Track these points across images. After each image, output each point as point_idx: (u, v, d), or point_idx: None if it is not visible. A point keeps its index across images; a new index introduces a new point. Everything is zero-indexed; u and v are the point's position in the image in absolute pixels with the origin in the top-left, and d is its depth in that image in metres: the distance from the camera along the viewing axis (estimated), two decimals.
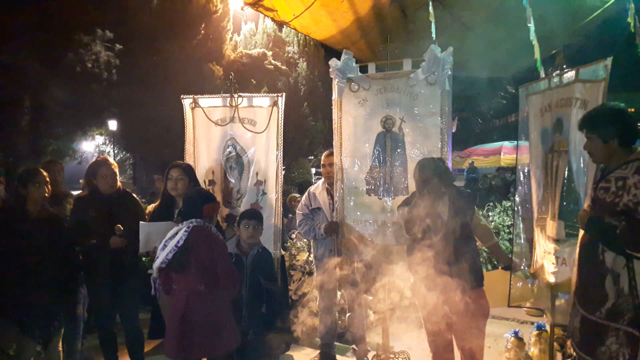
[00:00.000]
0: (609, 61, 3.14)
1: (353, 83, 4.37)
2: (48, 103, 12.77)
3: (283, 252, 5.36)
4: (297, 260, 5.59)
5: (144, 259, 4.55)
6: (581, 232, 2.84)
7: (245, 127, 4.75)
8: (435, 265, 3.30)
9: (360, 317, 4.67)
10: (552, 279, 3.56)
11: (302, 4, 5.33)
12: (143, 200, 7.89)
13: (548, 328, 3.95)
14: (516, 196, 4.28)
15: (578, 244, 2.86)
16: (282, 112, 4.67)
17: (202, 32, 14.73)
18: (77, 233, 3.89)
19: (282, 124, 4.67)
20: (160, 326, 3.80)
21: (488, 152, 20.17)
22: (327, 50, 15.13)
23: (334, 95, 4.42)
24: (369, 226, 4.32)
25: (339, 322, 5.06)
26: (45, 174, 3.74)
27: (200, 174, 4.78)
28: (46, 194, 3.72)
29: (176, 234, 3.21)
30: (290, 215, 7.91)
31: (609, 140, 2.66)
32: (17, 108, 12.47)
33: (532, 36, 4.20)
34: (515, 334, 4.30)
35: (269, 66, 16.50)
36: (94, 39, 12.38)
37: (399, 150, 4.25)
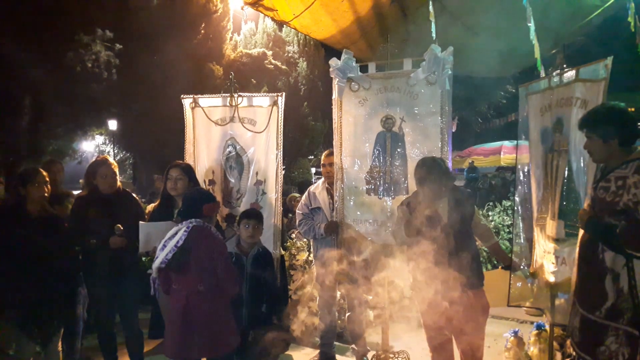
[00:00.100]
0: (609, 61, 3.14)
1: (353, 83, 4.37)
2: (48, 103, 12.75)
3: (283, 252, 5.36)
4: (297, 260, 5.58)
5: (143, 258, 4.54)
6: (581, 232, 2.84)
7: (245, 127, 4.75)
8: (435, 264, 3.30)
9: (360, 316, 4.66)
10: (551, 279, 3.56)
11: (302, 3, 5.33)
12: (143, 200, 7.88)
13: (548, 327, 3.95)
14: (516, 196, 4.28)
15: (578, 244, 2.86)
16: (282, 111, 4.68)
17: (202, 31, 14.72)
18: (76, 233, 3.88)
19: (282, 123, 4.67)
20: (161, 326, 3.80)
21: (488, 152, 20.17)
22: (327, 50, 15.15)
23: (334, 95, 4.42)
24: (368, 226, 4.32)
25: (339, 321, 5.06)
26: (45, 173, 3.74)
27: (200, 174, 4.78)
28: (46, 194, 3.72)
29: (176, 234, 3.21)
30: (290, 215, 7.90)
31: (609, 140, 2.66)
32: (17, 108, 12.45)
33: (532, 36, 4.21)
34: (515, 333, 4.30)
35: (269, 66, 16.50)
36: (94, 38, 12.36)
37: (399, 149, 4.25)
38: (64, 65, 12.04)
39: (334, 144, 4.45)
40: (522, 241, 4.14)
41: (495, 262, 5.99)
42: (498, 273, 4.54)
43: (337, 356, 4.78)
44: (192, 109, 4.88)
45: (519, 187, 4.24)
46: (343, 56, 4.35)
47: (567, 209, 3.43)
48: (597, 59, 3.24)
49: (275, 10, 5.61)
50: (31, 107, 12.78)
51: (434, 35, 4.72)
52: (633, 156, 2.62)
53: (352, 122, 4.39)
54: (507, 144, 19.03)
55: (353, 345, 4.77)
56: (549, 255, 3.60)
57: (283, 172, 4.83)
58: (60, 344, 3.88)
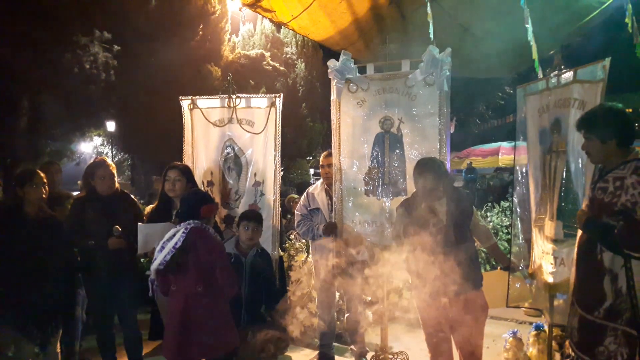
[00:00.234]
0: (607, 62, 3.15)
1: (352, 84, 4.38)
2: (46, 104, 12.75)
3: (282, 253, 5.36)
4: (296, 261, 5.58)
5: (142, 260, 4.54)
6: (579, 232, 2.85)
7: (243, 128, 4.75)
8: (434, 265, 3.30)
9: (359, 317, 4.67)
10: (550, 279, 3.56)
11: (300, 4, 5.33)
12: (141, 201, 7.89)
13: (546, 328, 3.95)
14: (514, 196, 4.28)
15: (576, 244, 2.87)
16: (280, 112, 4.68)
17: (200, 33, 14.73)
18: (75, 234, 3.88)
19: (280, 124, 4.67)
20: (160, 327, 3.79)
21: (486, 153, 20.16)
22: (325, 51, 15.14)
23: (333, 96, 4.42)
24: (367, 226, 4.32)
25: (338, 322, 5.05)
26: (42, 175, 3.74)
27: (199, 175, 4.78)
28: (44, 195, 3.72)
29: (174, 235, 3.21)
30: (289, 216, 7.90)
31: (607, 141, 2.67)
32: (15, 109, 12.44)
33: (530, 36, 4.21)
34: (514, 334, 4.31)
35: (267, 67, 16.51)
36: (92, 40, 12.37)
37: (397, 150, 4.25)
38: (62, 67, 12.05)
39: (332, 145, 4.45)
40: (520, 242, 4.14)
41: (494, 263, 6.00)
42: (497, 274, 4.54)
43: (336, 357, 4.77)
44: (191, 110, 4.88)
45: (518, 188, 4.24)
46: (341, 57, 4.35)
47: (565, 209, 3.43)
48: (595, 60, 3.25)
49: (273, 12, 5.61)
50: (29, 108, 12.78)
51: (431, 36, 4.72)
52: (631, 157, 2.62)
53: (351, 123, 4.39)
54: (505, 144, 19.04)
55: (352, 346, 4.77)
56: (547, 256, 3.61)
57: (281, 173, 4.83)
58: (59, 345, 3.87)
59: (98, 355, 4.19)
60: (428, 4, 4.80)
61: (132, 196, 4.36)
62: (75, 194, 4.75)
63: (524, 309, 5.01)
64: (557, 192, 3.50)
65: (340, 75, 4.36)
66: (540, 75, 4.07)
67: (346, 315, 4.85)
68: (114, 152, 20.87)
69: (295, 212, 4.88)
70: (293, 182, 16.15)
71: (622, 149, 2.66)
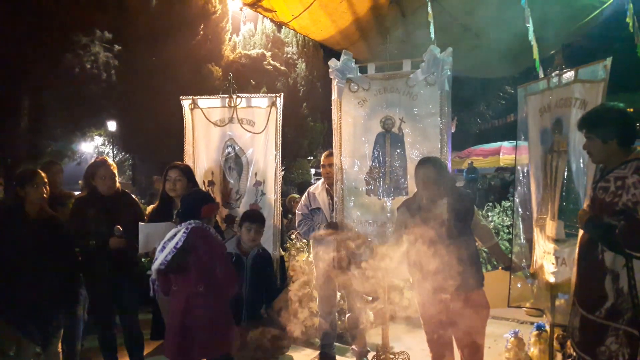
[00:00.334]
0: (608, 61, 3.14)
1: (353, 83, 4.37)
2: (47, 104, 12.77)
3: (283, 253, 5.36)
4: (297, 261, 5.58)
5: (143, 259, 4.54)
6: (580, 232, 2.84)
7: (244, 128, 4.75)
8: (435, 265, 3.29)
9: (360, 317, 4.66)
10: (551, 279, 3.56)
11: (301, 4, 5.34)
12: (142, 201, 7.89)
13: (548, 328, 3.95)
14: (516, 196, 4.28)
15: (577, 244, 2.87)
16: (281, 112, 4.68)
17: (201, 32, 14.72)
18: (76, 234, 3.88)
19: (280, 124, 4.67)
20: (162, 327, 3.79)
21: (487, 153, 20.16)
22: (326, 51, 15.14)
23: (334, 96, 4.42)
24: (368, 226, 4.32)
25: (339, 322, 5.05)
26: (43, 175, 3.73)
27: (200, 175, 4.78)
28: (45, 195, 3.72)
29: (175, 235, 3.20)
30: (290, 215, 7.90)
31: (608, 140, 2.66)
32: (16, 109, 12.45)
33: (531, 36, 4.21)
34: (515, 334, 4.30)
35: (267, 67, 16.50)
36: (93, 39, 12.36)
37: (398, 150, 4.25)
38: (63, 67, 12.05)
39: (333, 144, 4.45)
40: (522, 242, 4.14)
41: (495, 263, 5.99)
42: (498, 274, 4.55)
43: (337, 357, 4.77)
44: (191, 110, 4.88)
45: (519, 187, 4.24)
46: (342, 57, 4.35)
47: (566, 209, 3.43)
48: (596, 59, 3.24)
49: (274, 11, 5.62)
50: (30, 108, 12.79)
51: (432, 36, 4.72)
52: (632, 156, 2.62)
53: (352, 123, 4.39)
54: (506, 144, 19.02)
55: (353, 346, 4.77)
56: (548, 256, 3.60)
57: (282, 172, 4.83)
58: (60, 345, 3.88)
59: (99, 355, 4.20)
60: (429, 3, 4.80)
61: (133, 196, 4.36)
62: (76, 193, 4.75)
63: (525, 309, 5.00)
64: (559, 191, 3.50)
65: (342, 74, 4.36)
66: (541, 74, 4.07)
67: (347, 315, 4.85)
68: (114, 152, 20.86)
69: (296, 211, 4.88)
70: (294, 182, 16.14)
71: (623, 149, 2.66)
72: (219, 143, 4.83)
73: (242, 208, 4.66)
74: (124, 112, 14.93)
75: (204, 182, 4.79)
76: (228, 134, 4.81)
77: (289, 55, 17.73)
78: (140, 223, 3.82)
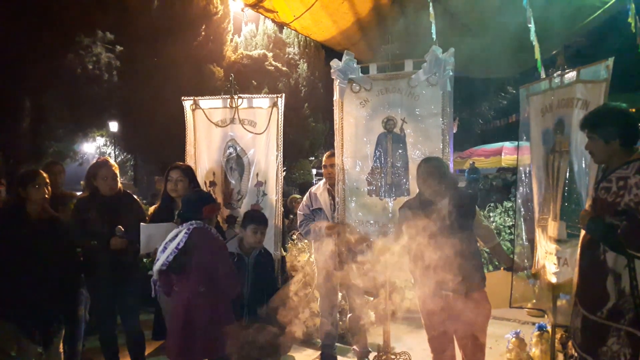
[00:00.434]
0: (610, 62, 3.14)
1: (354, 84, 4.37)
2: (49, 105, 12.77)
3: (284, 253, 5.36)
4: (298, 261, 5.58)
5: (144, 260, 4.55)
6: (582, 233, 2.84)
7: (245, 128, 4.76)
8: (437, 266, 3.29)
9: (361, 317, 4.66)
10: (553, 280, 3.55)
11: (303, 5, 5.34)
12: (144, 201, 7.88)
13: (549, 329, 3.94)
14: (517, 197, 4.28)
15: (579, 244, 2.86)
16: (282, 113, 4.68)
17: (203, 33, 14.72)
18: (77, 234, 3.88)
19: (282, 124, 4.68)
20: (164, 327, 3.80)
21: (489, 153, 20.11)
22: (327, 52, 15.13)
23: (336, 96, 4.42)
24: (370, 227, 4.32)
25: (340, 322, 5.05)
26: (45, 175, 3.74)
27: (201, 175, 4.79)
28: (46, 196, 3.72)
29: (176, 236, 3.21)
30: (292, 216, 7.90)
31: (611, 140, 2.66)
32: (17, 110, 12.47)
33: (533, 37, 4.20)
34: (517, 334, 4.29)
35: (269, 67, 16.49)
36: (95, 40, 12.38)
37: (400, 151, 4.25)
38: (64, 67, 12.07)
39: (335, 145, 4.45)
40: (523, 242, 4.14)
41: (497, 264, 5.98)
42: (500, 274, 4.54)
43: (339, 357, 4.77)
44: (193, 110, 4.89)
45: (520, 188, 4.24)
46: (344, 57, 4.35)
47: (568, 209, 3.43)
48: (598, 59, 3.24)
49: (275, 12, 5.62)
50: (32, 109, 12.80)
51: (434, 36, 4.72)
52: (634, 157, 2.62)
53: (354, 123, 4.39)
54: (507, 145, 18.99)
55: (354, 346, 4.77)
56: (550, 256, 3.60)
57: (284, 173, 4.83)
58: (61, 345, 3.88)
59: (101, 355, 4.20)
60: (430, 4, 4.80)
61: (135, 196, 4.36)
62: (78, 194, 4.75)
63: (527, 309, 5.00)
64: (560, 192, 3.50)
65: (343, 75, 4.36)
66: (543, 75, 4.06)
67: (348, 315, 4.85)
68: (116, 153, 20.87)
69: (298, 212, 4.89)
70: (295, 182, 16.11)
71: (625, 149, 2.66)
72: (221, 143, 4.83)
73: (243, 208, 4.67)
74: (126, 112, 14.94)
75: (205, 183, 4.80)
76: (229, 135, 4.81)
77: (290, 56, 17.72)
78: (141, 224, 3.82)
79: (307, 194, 4.86)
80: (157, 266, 3.20)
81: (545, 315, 4.09)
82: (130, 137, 16.80)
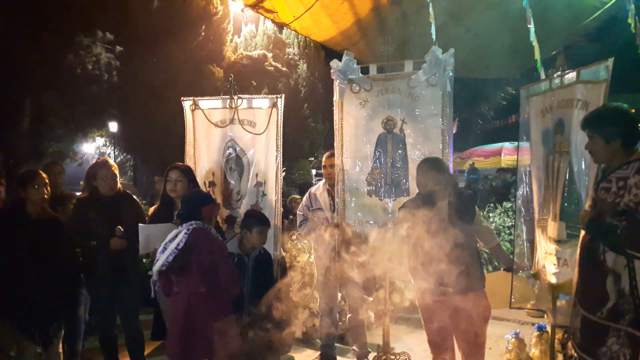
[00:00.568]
0: (610, 62, 3.14)
1: (354, 84, 4.37)
2: (48, 105, 12.76)
3: (283, 253, 5.35)
4: (298, 262, 5.58)
5: (144, 260, 4.54)
6: (582, 233, 2.84)
7: (244, 129, 4.76)
8: (437, 266, 3.29)
9: (361, 318, 4.66)
10: (553, 280, 3.55)
11: (303, 5, 5.34)
12: (144, 201, 7.89)
13: (549, 329, 3.94)
14: (517, 197, 4.27)
15: (579, 245, 2.86)
16: (282, 113, 4.68)
17: (202, 33, 14.71)
18: (77, 235, 3.88)
19: (281, 125, 4.67)
20: (163, 327, 3.80)
21: (488, 153, 20.14)
22: (327, 52, 15.11)
23: (335, 96, 4.42)
24: (369, 227, 4.32)
25: (340, 323, 5.05)
26: (44, 175, 3.74)
27: (201, 176, 4.78)
28: (46, 196, 3.72)
29: (176, 236, 3.21)
30: (291, 216, 7.90)
31: (611, 141, 2.66)
32: (17, 110, 12.46)
33: (533, 37, 4.20)
34: (516, 335, 4.30)
35: (269, 68, 16.48)
36: (95, 40, 12.38)
37: (400, 151, 4.25)
38: (64, 67, 12.06)
39: (334, 145, 4.45)
40: (523, 243, 4.14)
41: (497, 264, 5.98)
42: (499, 275, 4.54)
43: (338, 358, 4.77)
44: (192, 110, 4.88)
45: (520, 188, 4.24)
46: (344, 57, 4.35)
47: (568, 210, 3.43)
48: (598, 60, 3.24)
49: (275, 12, 5.63)
50: (32, 109, 12.80)
51: (434, 36, 4.72)
52: (634, 157, 2.62)
53: (353, 124, 4.39)
54: (507, 145, 19.00)
55: (354, 347, 4.76)
56: (550, 257, 3.60)
57: (283, 173, 4.83)
58: (61, 345, 3.88)
59: (100, 355, 4.20)
60: (430, 4, 4.80)
61: (135, 197, 4.36)
62: (78, 194, 4.75)
63: (526, 309, 5.00)
64: (560, 192, 3.50)
65: (343, 75, 4.35)
66: (543, 76, 4.06)
67: (348, 315, 4.85)
68: (116, 153, 20.85)
69: (298, 212, 4.89)
70: (295, 183, 16.10)
71: (626, 149, 2.66)
72: (220, 144, 4.83)
73: (243, 209, 4.66)
74: (126, 113, 14.93)
75: (204, 183, 4.79)
76: (229, 135, 4.81)
77: (290, 56, 17.71)
78: (139, 224, 3.81)
79: (307, 194, 4.86)
80: (156, 267, 3.20)
81: (545, 316, 4.09)
82: (130, 138, 16.78)
